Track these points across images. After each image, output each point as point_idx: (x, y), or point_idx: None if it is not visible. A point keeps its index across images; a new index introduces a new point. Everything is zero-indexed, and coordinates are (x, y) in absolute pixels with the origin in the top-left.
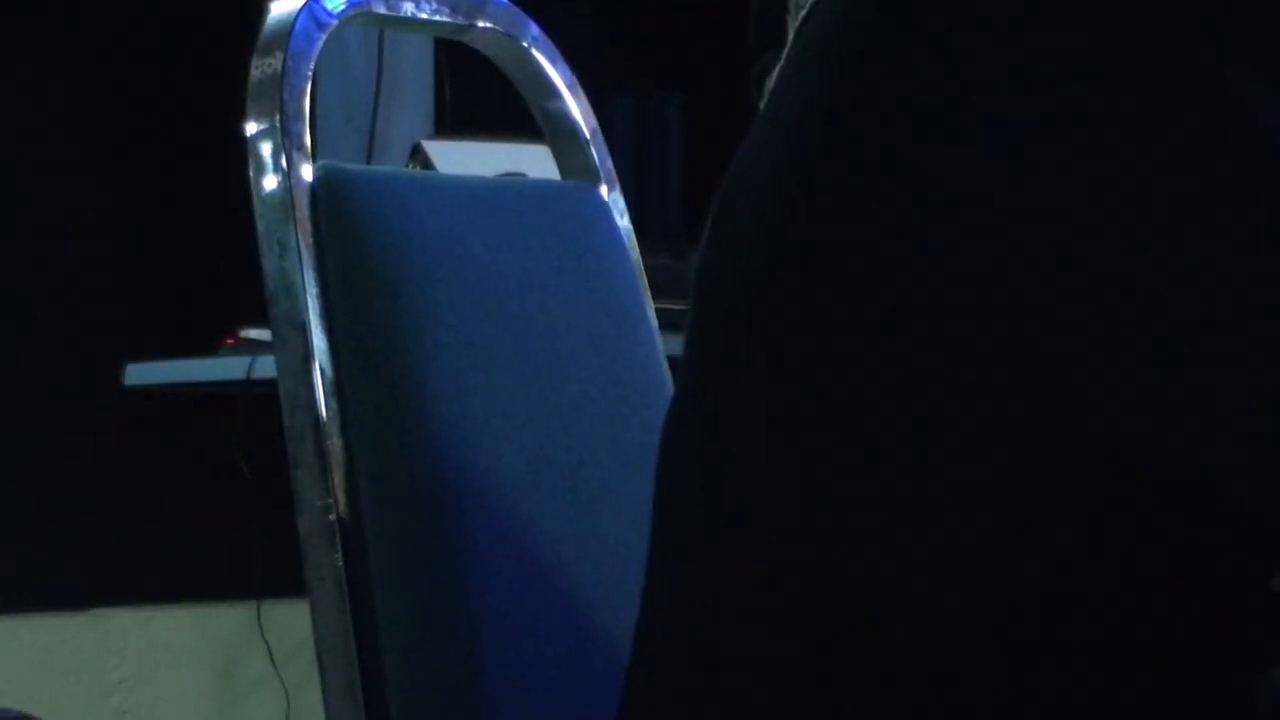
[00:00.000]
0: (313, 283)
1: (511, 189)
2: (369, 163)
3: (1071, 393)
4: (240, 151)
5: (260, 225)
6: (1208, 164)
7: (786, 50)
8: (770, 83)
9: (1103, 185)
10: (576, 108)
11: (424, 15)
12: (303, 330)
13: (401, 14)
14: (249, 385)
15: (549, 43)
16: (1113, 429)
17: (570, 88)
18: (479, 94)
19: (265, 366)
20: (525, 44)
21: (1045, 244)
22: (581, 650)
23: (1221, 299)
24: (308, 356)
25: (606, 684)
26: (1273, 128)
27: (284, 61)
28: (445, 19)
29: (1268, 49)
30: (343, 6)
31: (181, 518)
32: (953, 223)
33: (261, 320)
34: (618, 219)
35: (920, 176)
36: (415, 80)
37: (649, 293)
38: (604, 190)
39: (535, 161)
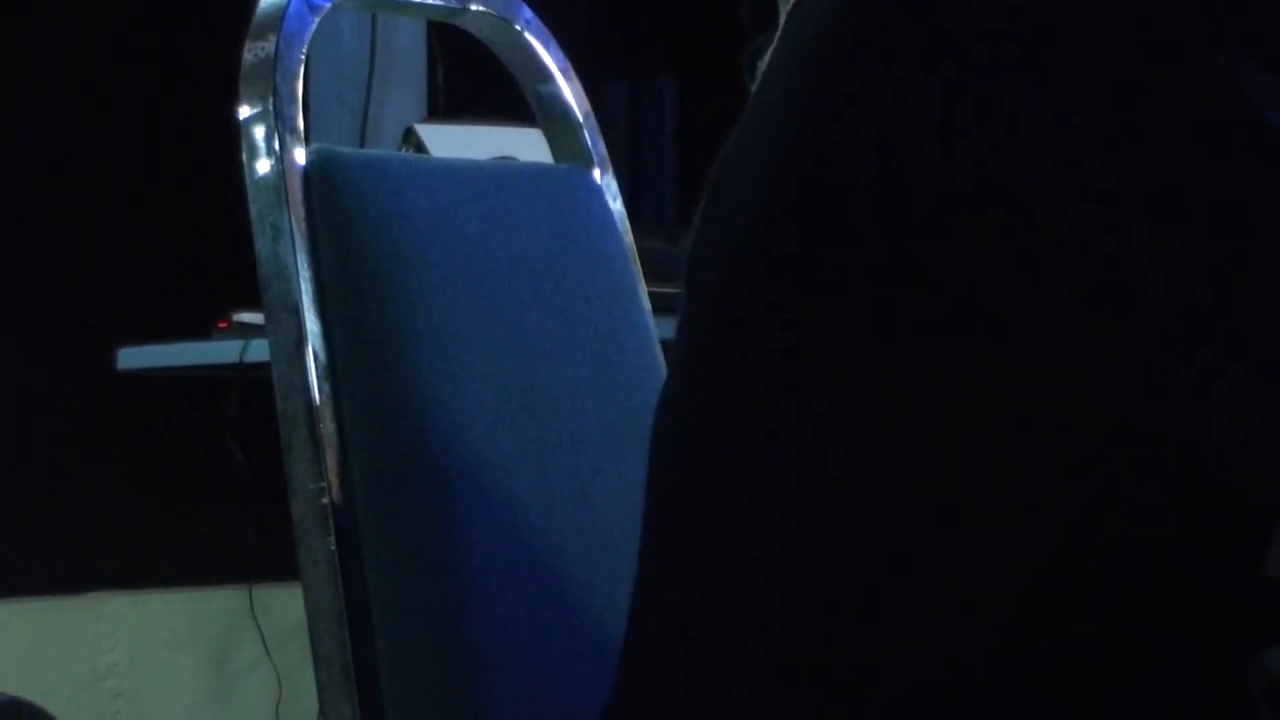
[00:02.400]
0: (305, 266)
1: (504, 172)
2: (362, 146)
3: (1064, 377)
4: (233, 135)
5: (253, 209)
6: (1202, 150)
7: (779, 33)
8: (763, 66)
9: (1095, 170)
10: (569, 91)
11: None
12: (296, 314)
13: None
14: (242, 369)
15: (542, 26)
16: (1104, 412)
17: (563, 71)
18: (472, 77)
19: (258, 350)
20: (518, 27)
21: (1038, 229)
22: (575, 633)
23: (1215, 284)
24: (301, 340)
25: (600, 666)
26: (1266, 110)
27: (277, 45)
28: (438, 2)
29: (1262, 30)
30: None
31: (174, 501)
32: (946, 209)
33: (254, 304)
34: (611, 202)
35: (913, 161)
36: (408, 63)
37: (642, 276)
38: (597, 173)
39: (528, 145)
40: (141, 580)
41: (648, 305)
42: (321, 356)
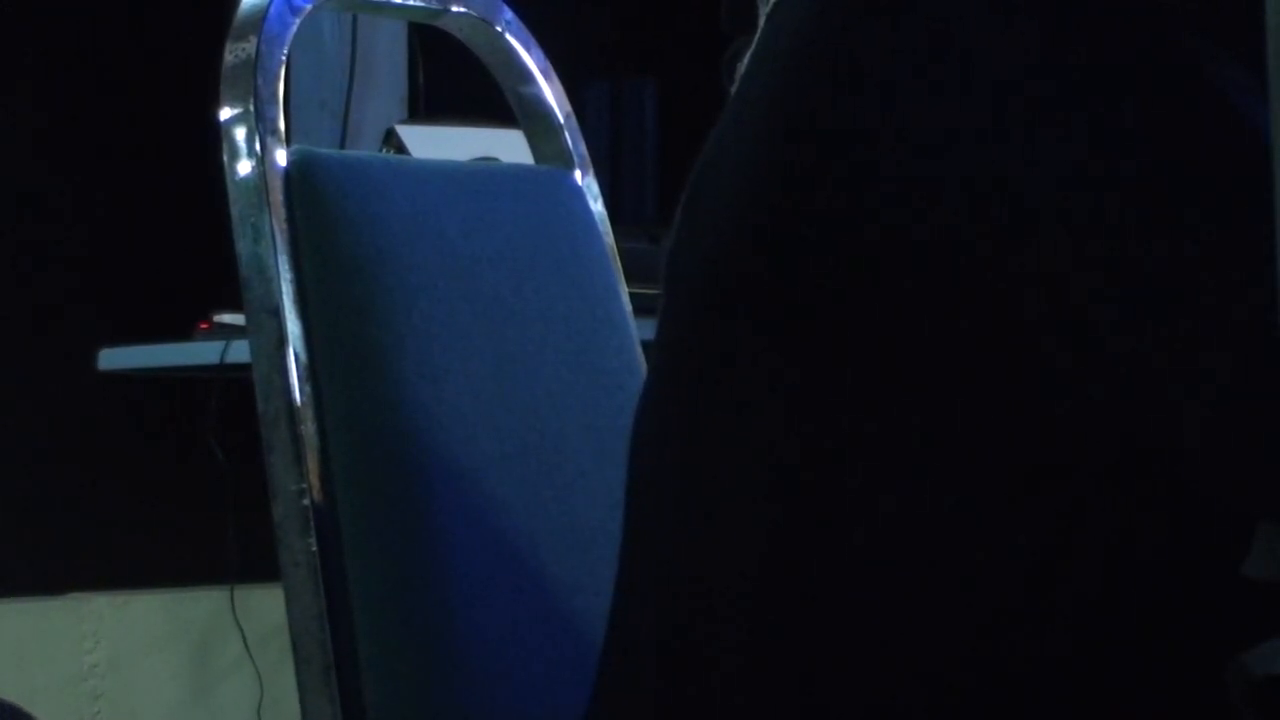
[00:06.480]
0: (286, 267)
1: (485, 174)
2: (342, 147)
3: (1043, 374)
4: (214, 136)
5: (234, 210)
6: (1184, 147)
7: (758, 36)
8: (742, 68)
9: (1084, 158)
10: (550, 92)
11: (398, 0)
12: (276, 315)
13: None
14: (223, 370)
15: (523, 27)
16: (1084, 411)
17: (544, 72)
18: (453, 78)
19: (239, 351)
20: (499, 28)
21: (1017, 220)
22: (556, 633)
23: (1191, 283)
24: (282, 341)
25: (580, 666)
26: (1239, 103)
27: (258, 46)
28: (419, 3)
29: (1237, 27)
30: None
31: (156, 502)
32: (925, 203)
33: (235, 305)
34: (591, 204)
35: (893, 155)
36: (389, 65)
37: (622, 277)
38: (578, 175)
39: (509, 146)
40: (123, 581)
41: (628, 306)
42: (302, 358)
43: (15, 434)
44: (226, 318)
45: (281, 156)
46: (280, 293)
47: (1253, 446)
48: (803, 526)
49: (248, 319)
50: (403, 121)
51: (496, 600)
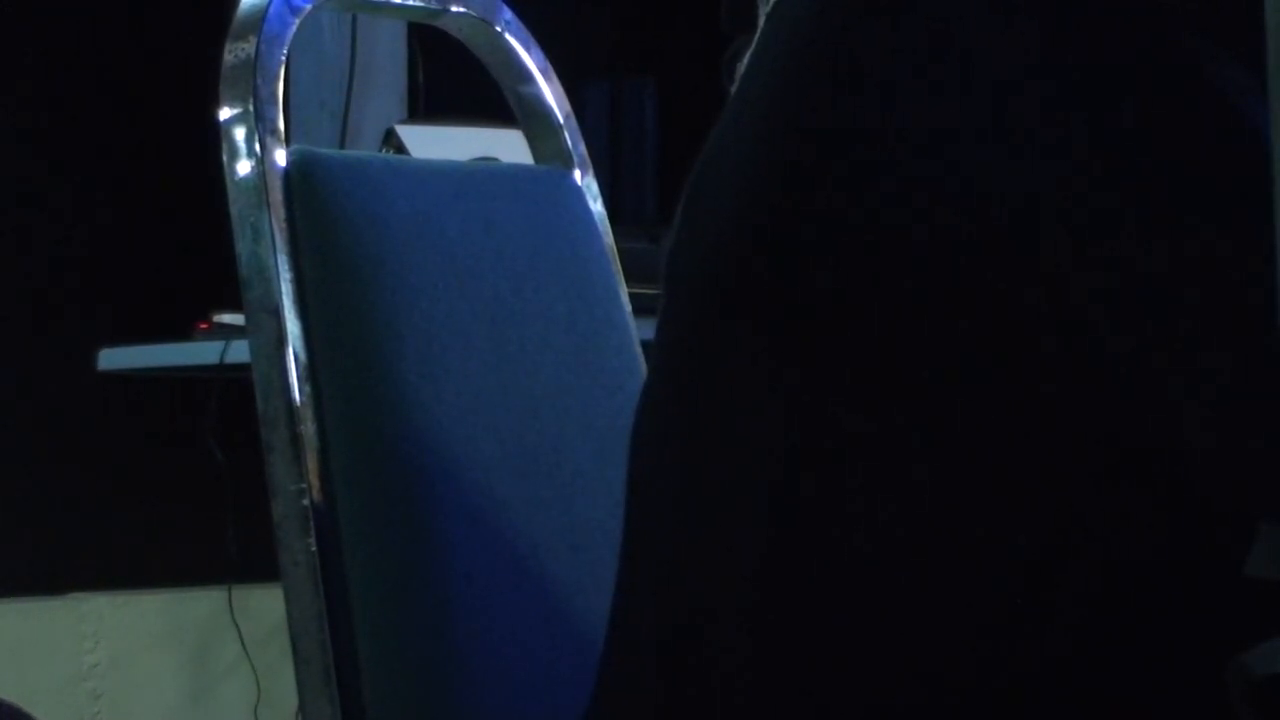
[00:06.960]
0: (286, 267)
1: (485, 173)
2: (342, 147)
3: (1043, 374)
4: (214, 136)
5: (233, 210)
6: (1184, 147)
7: (758, 36)
8: (742, 68)
9: (1075, 163)
10: (550, 92)
11: (397, 0)
12: (276, 315)
13: None
14: (223, 370)
15: (522, 27)
16: (1084, 411)
17: (543, 72)
18: (452, 78)
19: (239, 351)
20: (498, 28)
21: (1017, 220)
22: (556, 633)
23: (1191, 283)
24: (281, 341)
25: (581, 667)
26: (1239, 104)
27: (257, 46)
28: (419, 3)
29: (1237, 27)
30: None
31: (155, 502)
32: (925, 203)
33: (235, 305)
34: (591, 203)
35: (893, 155)
36: (389, 65)
37: (622, 277)
38: (577, 175)
39: (508, 146)
40: (122, 581)
41: (628, 306)
42: (302, 357)
43: (15, 434)
44: (226, 318)
45: (281, 156)
46: (280, 293)
47: (1253, 446)
48: (803, 526)
49: (247, 319)
50: (402, 121)
51: (496, 599)
